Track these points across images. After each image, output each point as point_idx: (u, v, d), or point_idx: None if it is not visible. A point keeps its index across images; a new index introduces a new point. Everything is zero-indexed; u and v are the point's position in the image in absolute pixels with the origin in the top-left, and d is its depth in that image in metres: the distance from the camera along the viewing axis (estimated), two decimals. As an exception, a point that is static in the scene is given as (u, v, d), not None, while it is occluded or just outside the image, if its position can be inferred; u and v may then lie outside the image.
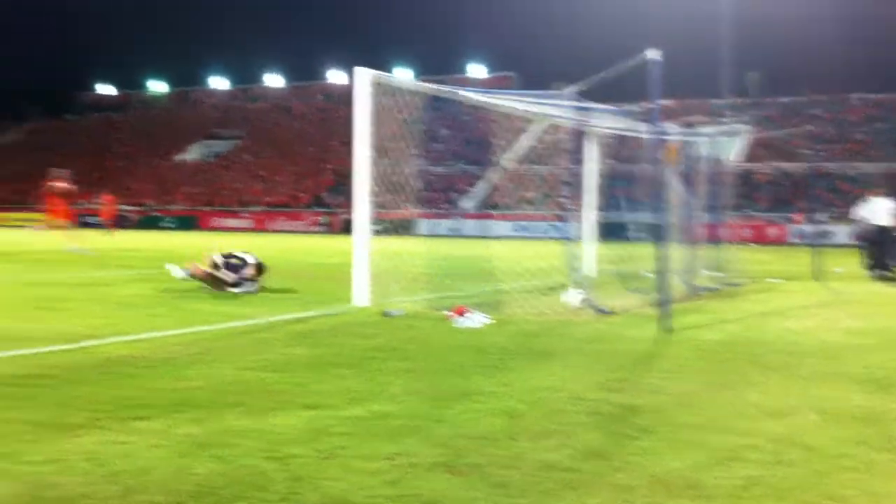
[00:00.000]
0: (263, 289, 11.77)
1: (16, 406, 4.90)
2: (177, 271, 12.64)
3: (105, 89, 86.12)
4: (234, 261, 11.75)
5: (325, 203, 54.47)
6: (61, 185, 20.45)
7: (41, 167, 67.10)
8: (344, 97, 71.13)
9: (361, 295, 10.27)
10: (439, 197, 49.14)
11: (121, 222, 47.14)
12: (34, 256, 20.06)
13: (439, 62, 69.79)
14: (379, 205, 10.83)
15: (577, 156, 13.63)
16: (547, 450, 4.17)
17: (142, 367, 6.18)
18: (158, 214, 55.53)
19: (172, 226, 52.92)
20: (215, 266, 11.61)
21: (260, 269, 11.93)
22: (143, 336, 7.66)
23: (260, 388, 5.50)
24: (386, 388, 5.56)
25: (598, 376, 6.04)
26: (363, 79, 10.45)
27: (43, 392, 5.32)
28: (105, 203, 39.25)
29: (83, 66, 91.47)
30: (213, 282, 11.52)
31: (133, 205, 58.11)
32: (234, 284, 11.45)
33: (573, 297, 10.46)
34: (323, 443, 4.23)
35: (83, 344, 7.14)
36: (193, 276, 11.88)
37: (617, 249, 13.44)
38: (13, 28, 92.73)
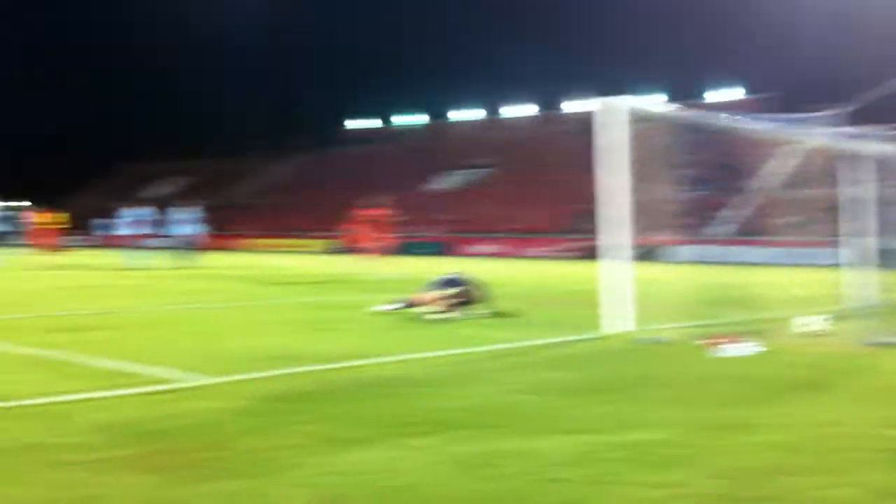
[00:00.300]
0: (499, 314, 11.82)
1: (303, 420, 5.23)
2: (384, 307, 12.02)
3: (366, 122, 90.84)
4: (449, 290, 11.81)
5: (576, 229, 54.46)
6: (375, 212, 21.22)
7: (308, 199, 71.61)
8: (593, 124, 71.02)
9: (615, 321, 10.17)
10: (690, 222, 47.89)
11: (377, 249, 49.39)
12: (311, 280, 21.37)
13: (688, 84, 67.79)
14: (633, 230, 10.69)
15: (839, 180, 12.89)
16: (832, 486, 3.94)
17: (411, 386, 6.44)
18: (415, 241, 57.59)
19: (428, 252, 54.70)
20: (433, 294, 11.75)
21: (475, 290, 11.99)
22: (410, 357, 7.97)
23: (524, 411, 5.58)
24: (650, 416, 5.47)
25: (883, 411, 5.66)
26: (610, 106, 10.40)
27: (324, 408, 5.65)
28: (357, 229, 41.10)
29: (348, 101, 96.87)
30: (434, 308, 11.70)
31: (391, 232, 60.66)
32: (450, 310, 11.59)
33: (812, 323, 9.88)
34: (593, 468, 4.22)
35: (356, 363, 7.53)
36: (412, 305, 11.79)
37: (893, 277, 12.57)
38: (286, 65, 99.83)
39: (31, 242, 29.95)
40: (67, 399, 5.77)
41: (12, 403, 5.58)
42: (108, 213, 39.86)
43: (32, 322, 10.69)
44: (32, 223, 30.03)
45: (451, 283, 11.91)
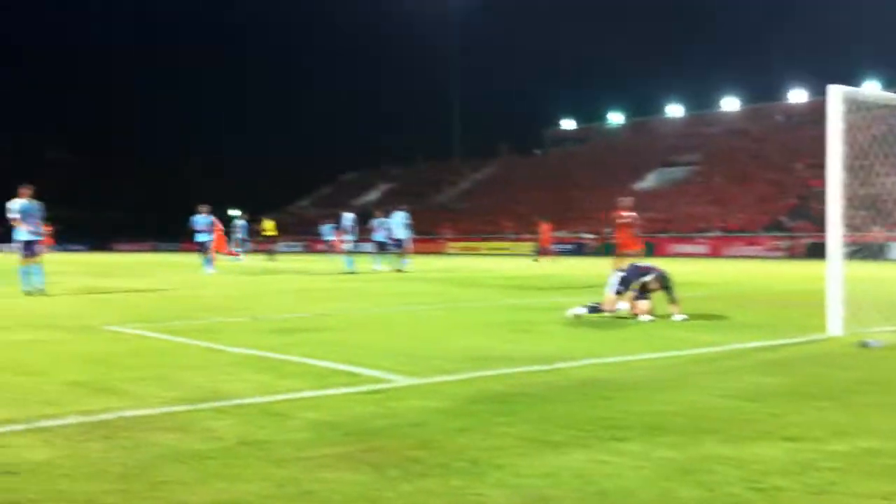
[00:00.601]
0: (703, 316, 11.46)
1: (506, 422, 5.27)
2: (577, 310, 11.59)
3: (568, 124, 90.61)
4: (638, 280, 11.52)
5: (785, 227, 52.20)
6: (627, 214, 20.21)
7: (511, 201, 72.15)
8: (805, 116, 68.12)
9: (835, 323, 9.66)
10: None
11: (571, 250, 49.29)
12: (515, 282, 21.56)
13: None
14: (850, 227, 10.12)
15: None
16: None
17: (615, 389, 6.36)
18: (615, 242, 56.87)
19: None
20: (619, 295, 11.48)
21: (659, 280, 11.64)
22: (613, 359, 7.89)
23: (735, 416, 5.40)
24: (871, 424, 5.17)
25: None
26: (836, 96, 9.83)
27: (525, 409, 5.67)
28: (542, 232, 41.06)
29: (550, 103, 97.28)
30: (626, 308, 11.45)
31: (592, 233, 60.25)
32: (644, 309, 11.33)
33: None
34: (810, 477, 4.03)
35: (557, 365, 7.51)
36: (601, 309, 11.53)
37: None
38: (489, 71, 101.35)
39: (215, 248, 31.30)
40: (285, 398, 6.07)
41: (235, 402, 5.92)
42: (324, 219, 41.79)
43: (252, 324, 11.32)
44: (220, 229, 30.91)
45: (632, 275, 11.63)
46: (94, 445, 4.73)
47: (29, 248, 16.34)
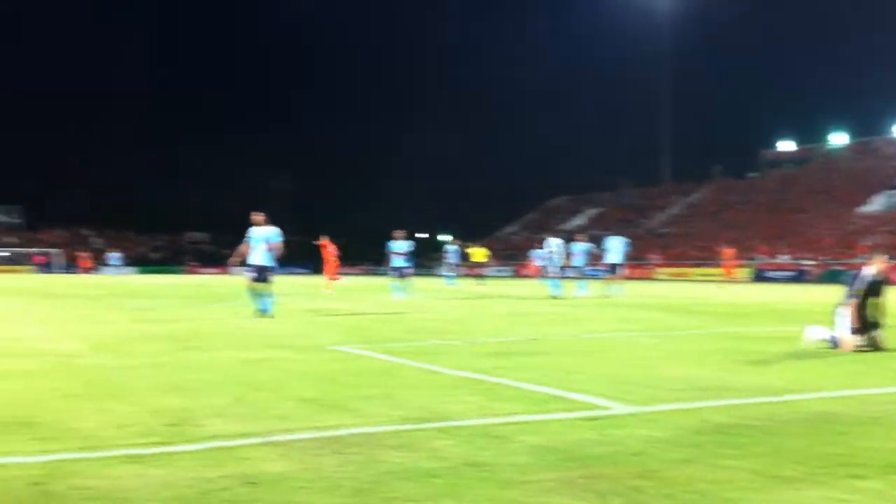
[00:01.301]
0: None
1: (732, 454, 5.11)
2: (817, 334, 11.11)
3: (785, 146, 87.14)
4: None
5: None
6: None
7: (721, 225, 70.04)
8: None
9: None
10: None
11: (791, 277, 46.97)
12: (724, 309, 20.90)
13: None
14: None
15: None
16: None
17: (849, 424, 6.03)
18: (838, 269, 53.99)
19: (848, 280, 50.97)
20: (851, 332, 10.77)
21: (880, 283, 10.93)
22: (844, 393, 7.49)
23: None
24: None
25: None
26: None
27: (752, 441, 5.48)
28: (725, 257, 39.32)
29: (766, 124, 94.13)
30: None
31: (812, 259, 57.49)
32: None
33: None
34: None
35: (784, 397, 7.21)
36: (838, 344, 10.77)
37: None
38: (703, 95, 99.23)
39: (328, 273, 31.87)
40: (503, 421, 6.14)
41: (456, 423, 6.04)
42: (533, 244, 42.15)
43: (466, 347, 11.51)
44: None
45: (849, 294, 10.99)
46: (328, 460, 4.95)
47: (258, 273, 17.20)
